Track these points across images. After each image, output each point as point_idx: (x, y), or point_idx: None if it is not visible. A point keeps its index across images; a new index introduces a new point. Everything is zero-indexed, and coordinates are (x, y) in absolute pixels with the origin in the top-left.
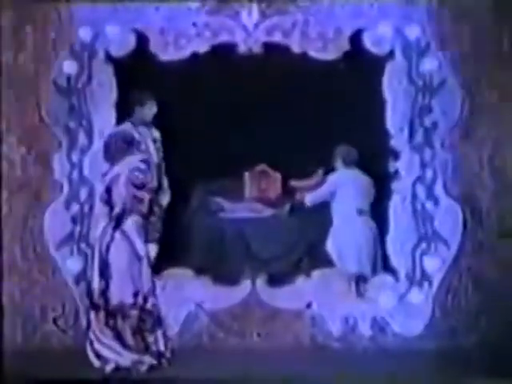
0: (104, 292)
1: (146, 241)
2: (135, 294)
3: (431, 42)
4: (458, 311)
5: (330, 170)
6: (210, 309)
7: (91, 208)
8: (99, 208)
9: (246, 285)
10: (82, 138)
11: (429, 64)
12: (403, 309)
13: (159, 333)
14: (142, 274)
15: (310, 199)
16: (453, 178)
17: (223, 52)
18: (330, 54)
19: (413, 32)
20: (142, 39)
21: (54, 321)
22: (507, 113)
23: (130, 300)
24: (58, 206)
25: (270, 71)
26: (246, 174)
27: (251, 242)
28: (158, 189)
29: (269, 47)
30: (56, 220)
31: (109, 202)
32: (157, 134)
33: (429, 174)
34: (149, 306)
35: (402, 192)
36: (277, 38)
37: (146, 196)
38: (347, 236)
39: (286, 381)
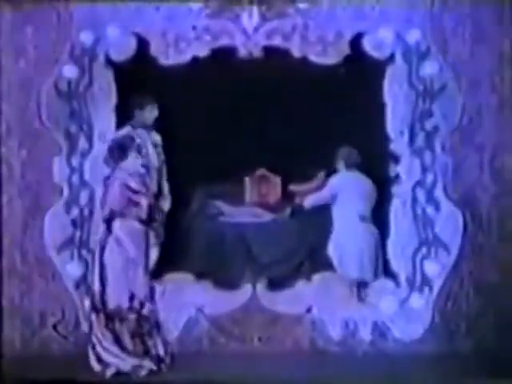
0: (102, 295)
1: (147, 246)
2: (131, 299)
3: (431, 45)
4: (458, 316)
5: (330, 173)
6: (211, 313)
7: (91, 212)
8: (99, 212)
9: (246, 289)
10: (82, 142)
11: (429, 68)
12: (404, 313)
13: (158, 337)
14: (137, 279)
15: (309, 202)
16: (453, 181)
17: (223, 56)
18: (330, 58)
19: (413, 36)
20: (142, 43)
21: (54, 326)
22: (507, 116)
23: (126, 304)
24: (58, 209)
25: (270, 75)
26: (247, 179)
27: (251, 246)
28: (159, 193)
29: (269, 51)
30: (56, 224)
31: (106, 205)
32: (157, 138)
33: (429, 177)
34: (145, 311)
35: (403, 196)
36: (277, 41)
37: (143, 200)
38: (349, 242)
39: None
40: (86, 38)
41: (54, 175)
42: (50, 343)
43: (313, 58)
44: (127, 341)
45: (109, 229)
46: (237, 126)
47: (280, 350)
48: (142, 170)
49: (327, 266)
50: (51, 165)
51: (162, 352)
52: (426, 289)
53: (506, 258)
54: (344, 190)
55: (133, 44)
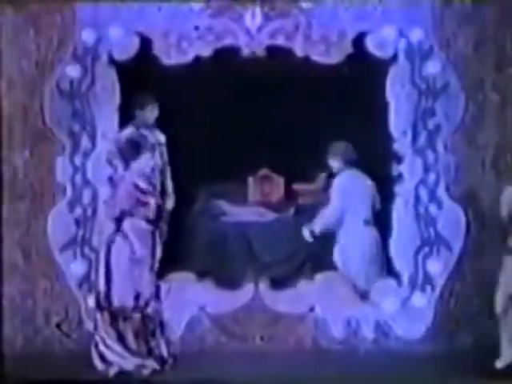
0: (107, 294)
1: (153, 245)
2: (136, 297)
3: (434, 45)
4: (460, 315)
5: (332, 173)
6: (213, 312)
7: (94, 211)
8: (103, 211)
9: (248, 288)
10: (85, 142)
11: (432, 67)
12: (406, 312)
13: (161, 337)
14: (143, 278)
15: (317, 227)
16: (456, 181)
17: (226, 55)
18: (333, 57)
19: (416, 35)
20: (145, 42)
21: (58, 325)
22: (510, 116)
23: (131, 303)
24: (61, 209)
25: (273, 74)
26: (250, 178)
27: (254, 245)
28: (162, 193)
29: (272, 50)
30: (59, 223)
31: (113, 205)
32: (161, 137)
33: (432, 177)
34: (150, 310)
35: (405, 195)
36: (280, 41)
37: (151, 200)
38: (353, 246)
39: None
40: (89, 37)
41: (56, 175)
42: (53, 342)
43: (316, 57)
44: (131, 340)
45: (117, 228)
46: (240, 126)
47: (282, 349)
48: (149, 170)
49: (329, 265)
50: (54, 164)
51: (164, 351)
52: (429, 288)
53: None
54: (348, 194)
55: (135, 43)
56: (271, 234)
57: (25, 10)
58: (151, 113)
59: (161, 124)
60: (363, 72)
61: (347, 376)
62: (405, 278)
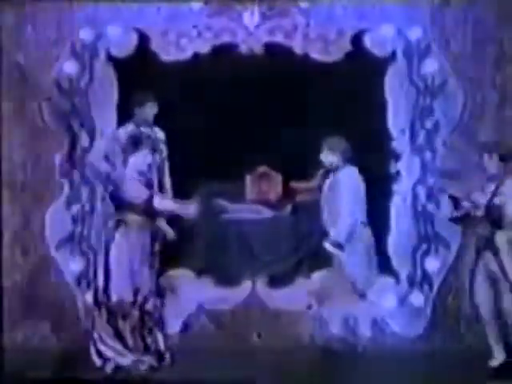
0: (106, 290)
1: (153, 241)
2: (135, 294)
3: (432, 43)
4: (458, 313)
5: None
6: (211, 310)
7: (92, 208)
8: (101, 207)
9: (246, 286)
10: (83, 139)
11: (430, 65)
12: (404, 310)
13: (159, 333)
14: (143, 274)
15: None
16: (454, 179)
17: (224, 53)
18: (332, 56)
19: (414, 33)
20: (143, 39)
21: (56, 322)
22: (508, 114)
23: (129, 299)
24: (59, 206)
25: (272, 72)
26: (248, 176)
27: (252, 243)
28: (161, 190)
29: (270, 48)
30: (57, 220)
31: (114, 201)
32: (160, 134)
33: (430, 175)
34: (149, 306)
35: (403, 193)
36: (278, 39)
37: (154, 196)
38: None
39: (287, 382)
40: (87, 34)
41: (55, 171)
42: (51, 339)
43: (314, 55)
44: (128, 336)
45: (117, 223)
46: (238, 123)
47: (280, 347)
48: (145, 167)
49: (327, 263)
50: (52, 161)
51: (162, 347)
52: (426, 285)
53: None
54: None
55: (134, 40)
56: (269, 232)
57: (23, 7)
58: (150, 110)
59: (159, 121)
60: (361, 70)
61: (345, 373)
62: (403, 276)
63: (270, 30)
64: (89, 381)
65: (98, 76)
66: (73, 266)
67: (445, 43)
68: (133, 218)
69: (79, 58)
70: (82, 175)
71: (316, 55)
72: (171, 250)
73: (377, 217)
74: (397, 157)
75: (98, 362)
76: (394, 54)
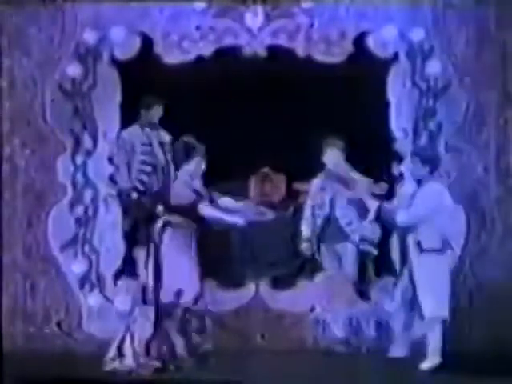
0: (154, 290)
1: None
2: (179, 295)
3: (435, 45)
4: (461, 315)
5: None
6: (214, 311)
7: (95, 210)
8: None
9: (249, 288)
10: (86, 141)
11: (433, 67)
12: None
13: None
14: (188, 276)
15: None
16: (457, 180)
17: (228, 55)
18: (335, 57)
19: (417, 35)
20: (146, 42)
21: (58, 324)
22: (511, 115)
23: (176, 300)
24: (62, 208)
25: (275, 74)
26: (251, 177)
27: (255, 244)
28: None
29: (273, 50)
30: (60, 222)
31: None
32: (164, 136)
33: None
34: (197, 307)
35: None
36: (281, 40)
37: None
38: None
39: (290, 383)
40: (90, 37)
41: (58, 174)
42: (54, 340)
43: (317, 57)
44: (175, 336)
45: (165, 226)
46: (241, 125)
47: (283, 349)
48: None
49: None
50: (55, 163)
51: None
52: None
53: (509, 256)
54: None
55: (137, 43)
56: (272, 234)
57: (27, 9)
58: (156, 112)
59: (163, 123)
60: (364, 72)
61: (348, 375)
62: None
63: (273, 32)
64: (89, 381)
65: (101, 78)
66: (76, 268)
67: (447, 45)
68: (179, 220)
69: (82, 60)
70: (85, 177)
71: (319, 57)
72: None
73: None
74: (400, 158)
75: (113, 360)
76: (396, 55)
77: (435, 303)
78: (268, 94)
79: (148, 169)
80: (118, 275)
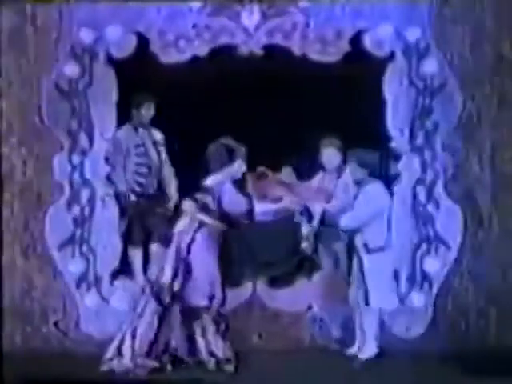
0: (181, 292)
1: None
2: (211, 298)
3: (431, 43)
4: (458, 313)
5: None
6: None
7: (92, 210)
8: (100, 209)
9: (247, 287)
10: (83, 140)
11: (429, 66)
12: (404, 311)
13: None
14: (218, 279)
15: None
16: (453, 179)
17: (224, 54)
18: (331, 56)
19: (413, 34)
20: (142, 41)
21: (55, 323)
22: (507, 115)
23: (204, 303)
24: (59, 207)
25: (271, 73)
26: (247, 176)
27: (252, 244)
28: (161, 191)
29: (269, 49)
30: (57, 222)
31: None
32: (158, 135)
33: (429, 175)
34: (222, 310)
35: (403, 194)
36: (277, 39)
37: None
38: None
39: (287, 382)
40: (87, 36)
41: (54, 173)
42: (51, 340)
43: (313, 56)
44: (199, 340)
45: (199, 228)
46: (237, 124)
47: (280, 348)
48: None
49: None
50: (52, 163)
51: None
52: (426, 286)
53: (506, 255)
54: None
55: (133, 42)
56: (269, 233)
57: (23, 8)
58: (147, 112)
59: (158, 122)
60: (360, 70)
61: (345, 374)
62: (403, 277)
63: (269, 31)
64: (86, 381)
65: (98, 77)
66: (73, 267)
67: (444, 43)
68: (212, 221)
69: (79, 60)
70: (82, 176)
71: (315, 56)
72: None
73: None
74: (396, 157)
75: (110, 360)
76: (392, 54)
77: (380, 295)
78: (264, 93)
79: (144, 170)
80: (115, 275)
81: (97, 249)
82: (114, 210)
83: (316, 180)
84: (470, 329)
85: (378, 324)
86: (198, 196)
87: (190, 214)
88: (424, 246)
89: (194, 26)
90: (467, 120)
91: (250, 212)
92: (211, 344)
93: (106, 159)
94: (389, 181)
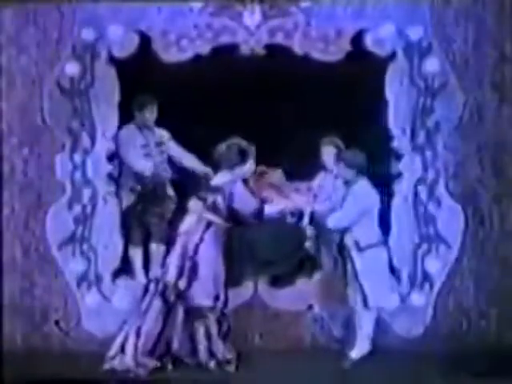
0: (185, 291)
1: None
2: (216, 298)
3: (433, 43)
4: (459, 313)
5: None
6: None
7: (94, 209)
8: (102, 208)
9: (248, 286)
10: (84, 140)
11: (431, 65)
12: (405, 310)
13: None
14: (222, 279)
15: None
16: (454, 179)
17: (225, 53)
18: (332, 55)
19: (415, 33)
20: (144, 40)
21: (56, 322)
22: (508, 114)
23: (209, 303)
24: (61, 207)
25: (272, 72)
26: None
27: (253, 243)
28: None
29: (271, 48)
30: (58, 221)
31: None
32: (162, 136)
33: (431, 175)
34: (226, 310)
35: (404, 193)
36: (279, 39)
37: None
38: None
39: (288, 381)
40: (88, 35)
41: (56, 172)
42: (52, 339)
43: (315, 55)
44: (202, 340)
45: (207, 227)
46: (239, 124)
47: (281, 347)
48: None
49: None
50: (53, 162)
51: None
52: (427, 285)
53: (507, 254)
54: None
55: (135, 41)
56: (270, 232)
57: (24, 7)
58: (151, 114)
59: (160, 122)
60: (362, 70)
61: (346, 374)
62: (404, 276)
63: (270, 30)
64: (87, 380)
65: (99, 77)
66: (74, 266)
67: (445, 43)
68: (220, 220)
69: (80, 59)
70: (84, 175)
71: (317, 55)
72: None
73: (378, 217)
74: (398, 156)
75: (112, 358)
76: (394, 53)
77: (377, 293)
78: (265, 93)
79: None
80: (116, 274)
81: (98, 248)
82: (115, 209)
83: (317, 179)
84: (470, 329)
85: (374, 323)
86: (207, 195)
87: (197, 214)
88: (425, 246)
89: (195, 26)
90: (468, 119)
91: (260, 212)
92: (213, 344)
93: (108, 158)
94: (390, 180)
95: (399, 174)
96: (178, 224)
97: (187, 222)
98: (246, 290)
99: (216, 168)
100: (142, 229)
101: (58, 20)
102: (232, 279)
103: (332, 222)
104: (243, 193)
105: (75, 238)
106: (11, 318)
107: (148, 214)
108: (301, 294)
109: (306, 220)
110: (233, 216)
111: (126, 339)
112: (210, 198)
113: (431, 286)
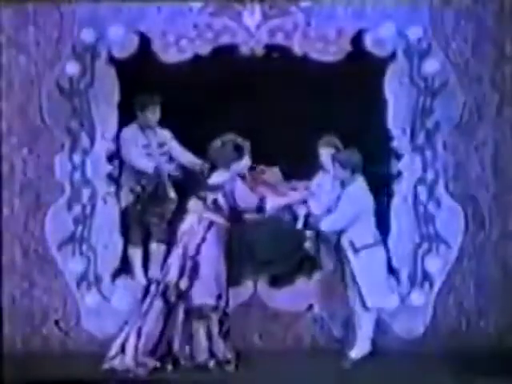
0: (187, 291)
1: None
2: (218, 297)
3: (433, 43)
4: (459, 312)
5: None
6: None
7: (93, 209)
8: (102, 208)
9: (247, 286)
10: (84, 140)
11: (430, 65)
12: (404, 310)
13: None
14: (223, 278)
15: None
16: (454, 179)
17: (225, 53)
18: (332, 56)
19: (415, 33)
20: (144, 41)
21: (56, 323)
22: (508, 114)
23: (211, 302)
24: (60, 207)
25: (272, 72)
26: (247, 175)
27: (253, 243)
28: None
29: (270, 49)
30: (57, 221)
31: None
32: (164, 136)
33: (430, 175)
34: (228, 310)
35: (404, 193)
36: (278, 39)
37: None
38: None
39: (288, 381)
40: (88, 35)
41: (55, 172)
42: (52, 339)
43: (314, 55)
44: (203, 339)
45: (209, 227)
46: (238, 124)
47: (281, 348)
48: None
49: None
50: (53, 162)
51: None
52: (427, 285)
53: (507, 254)
54: None
55: (135, 41)
56: (270, 232)
57: (24, 7)
58: (153, 115)
59: (159, 122)
60: (362, 70)
61: (345, 374)
62: (403, 276)
63: (270, 30)
64: (87, 380)
65: (99, 77)
66: (74, 266)
67: (445, 43)
68: (221, 219)
69: (80, 59)
70: (83, 176)
71: (316, 55)
72: None
73: (377, 216)
74: (397, 156)
75: (112, 359)
76: (394, 53)
77: (376, 294)
78: (265, 93)
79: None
80: (116, 274)
81: (97, 248)
82: (114, 209)
83: (315, 180)
84: (470, 328)
85: (374, 323)
86: (206, 194)
87: (197, 213)
88: (425, 246)
89: (195, 26)
90: (468, 119)
91: (262, 206)
92: (214, 344)
93: (108, 158)
94: (390, 180)
95: (399, 174)
96: (178, 224)
97: (188, 222)
98: (245, 289)
99: (212, 165)
100: (142, 229)
101: (58, 20)
102: (231, 279)
103: (326, 225)
104: (243, 189)
105: (75, 238)
106: (11, 319)
107: (148, 213)
108: (300, 294)
109: (300, 224)
110: (234, 213)
111: (126, 339)
112: (210, 197)
113: (431, 286)
